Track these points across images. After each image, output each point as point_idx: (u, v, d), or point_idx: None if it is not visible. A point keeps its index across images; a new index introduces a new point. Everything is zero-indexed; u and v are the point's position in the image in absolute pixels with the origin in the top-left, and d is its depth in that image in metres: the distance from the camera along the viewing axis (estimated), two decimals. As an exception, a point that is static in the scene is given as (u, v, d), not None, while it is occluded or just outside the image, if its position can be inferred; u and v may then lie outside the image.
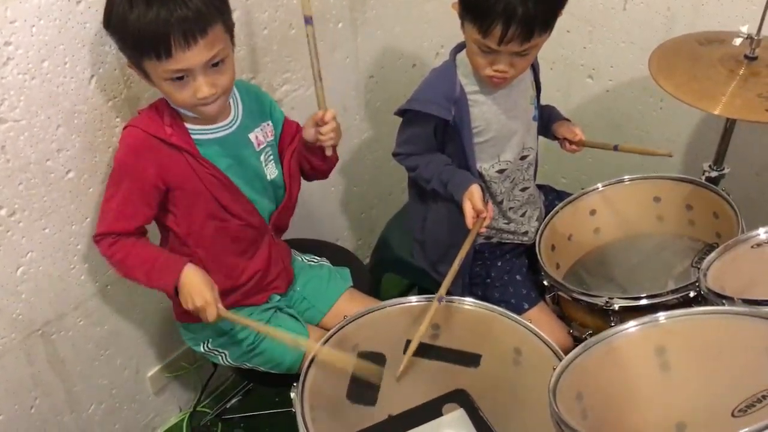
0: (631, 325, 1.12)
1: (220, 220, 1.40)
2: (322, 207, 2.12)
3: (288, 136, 1.53)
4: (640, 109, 2.10)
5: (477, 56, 1.44)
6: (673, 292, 1.42)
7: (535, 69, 1.62)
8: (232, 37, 1.32)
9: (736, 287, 1.22)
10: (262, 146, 1.46)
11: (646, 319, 1.13)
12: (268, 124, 1.48)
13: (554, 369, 1.11)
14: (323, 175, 1.56)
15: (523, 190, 1.65)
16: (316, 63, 1.40)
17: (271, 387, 1.57)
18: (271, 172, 1.48)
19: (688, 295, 1.40)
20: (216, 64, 1.27)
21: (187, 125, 1.36)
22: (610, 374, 1.15)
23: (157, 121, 1.34)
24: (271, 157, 1.48)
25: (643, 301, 1.44)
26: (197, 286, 1.33)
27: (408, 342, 1.33)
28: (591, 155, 2.27)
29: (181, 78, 1.25)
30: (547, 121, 1.71)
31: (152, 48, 1.21)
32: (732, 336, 1.09)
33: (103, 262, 1.56)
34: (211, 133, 1.38)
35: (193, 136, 1.36)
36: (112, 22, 1.24)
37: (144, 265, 1.36)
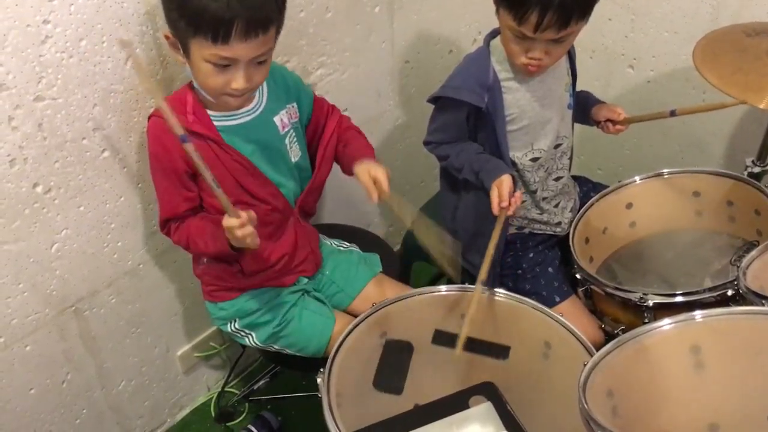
0: (666, 323, 1.09)
1: (245, 205, 1.39)
2: (353, 193, 2.10)
3: (321, 116, 1.52)
4: (682, 101, 2.04)
5: (511, 43, 1.41)
6: (710, 290, 1.39)
7: (571, 56, 1.59)
8: (277, 38, 1.32)
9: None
10: (286, 129, 1.45)
11: (682, 317, 1.09)
12: (293, 106, 1.47)
13: (585, 365, 1.09)
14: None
15: (557, 179, 1.62)
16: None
17: (297, 371, 1.57)
18: (295, 154, 1.48)
19: (726, 293, 1.36)
20: (260, 62, 1.27)
21: (210, 112, 1.36)
22: (643, 372, 1.12)
23: (179, 109, 1.33)
24: (295, 138, 1.48)
25: (679, 298, 1.41)
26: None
27: (437, 331, 1.32)
28: (628, 146, 2.22)
29: (223, 65, 1.24)
30: (584, 106, 1.68)
31: (211, 29, 1.19)
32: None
33: (135, 240, 1.59)
34: (235, 119, 1.38)
35: (216, 123, 1.36)
36: None
37: (202, 236, 1.37)
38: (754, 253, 1.25)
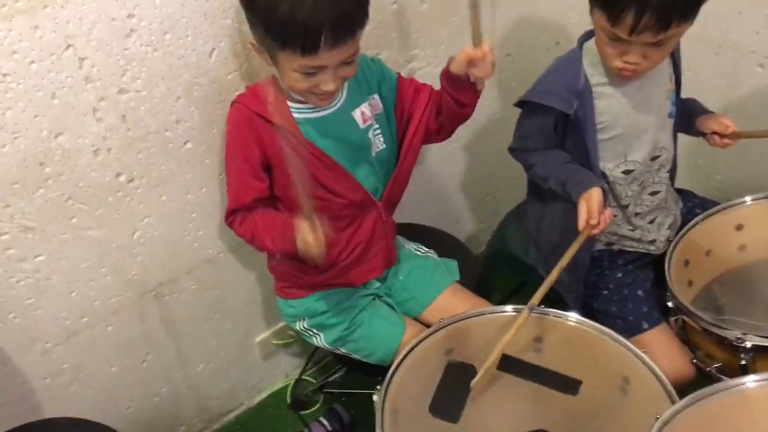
0: (752, 380, 0.97)
1: (320, 199, 1.36)
2: (444, 188, 2.04)
3: (406, 99, 1.45)
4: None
5: (606, 46, 1.29)
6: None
7: (675, 59, 1.45)
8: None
9: None
10: (368, 122, 1.40)
11: (770, 376, 0.97)
12: (374, 98, 1.42)
13: (657, 418, 0.99)
14: (468, 112, 1.44)
15: (653, 194, 1.48)
16: None
17: (361, 373, 1.54)
18: (379, 146, 1.43)
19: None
20: (348, 62, 1.24)
21: (290, 104, 1.34)
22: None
23: (261, 98, 1.32)
24: (379, 132, 1.43)
25: (783, 341, 1.26)
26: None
27: (504, 356, 1.25)
28: (752, 152, 2.02)
29: (312, 73, 1.23)
30: (690, 115, 1.52)
31: (298, 43, 1.17)
32: None
33: (216, 230, 1.61)
34: (314, 112, 1.35)
35: (295, 115, 1.34)
36: (258, 4, 1.19)
37: (269, 232, 1.36)
38: None
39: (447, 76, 1.38)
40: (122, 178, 1.41)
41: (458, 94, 1.38)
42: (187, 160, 1.48)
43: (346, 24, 1.19)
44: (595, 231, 1.32)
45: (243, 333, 1.83)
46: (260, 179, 1.36)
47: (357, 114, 1.39)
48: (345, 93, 1.38)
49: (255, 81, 1.47)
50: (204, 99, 1.43)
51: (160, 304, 1.61)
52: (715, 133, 1.47)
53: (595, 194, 1.32)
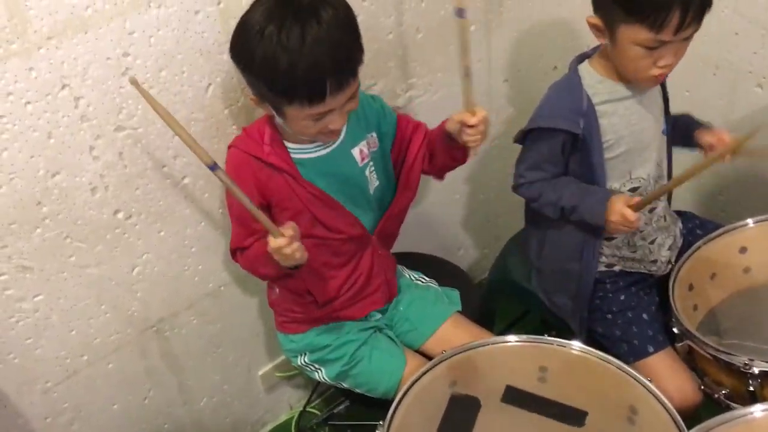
0: (758, 409, 0.96)
1: (320, 238, 1.36)
2: (445, 216, 2.03)
3: (404, 138, 1.46)
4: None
5: (639, 60, 1.30)
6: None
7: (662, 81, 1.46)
8: None
9: None
10: (366, 160, 1.40)
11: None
12: (372, 135, 1.42)
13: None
14: (461, 163, 1.47)
15: (651, 210, 1.48)
16: (466, 58, 1.30)
17: (367, 405, 1.52)
18: (374, 183, 1.43)
19: None
20: (352, 98, 1.25)
21: (288, 144, 1.33)
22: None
23: (256, 140, 1.32)
24: (374, 168, 1.43)
25: (791, 367, 1.24)
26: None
27: (508, 387, 1.23)
28: (756, 171, 2.00)
29: (319, 119, 1.23)
30: (687, 128, 1.52)
31: (305, 95, 1.18)
32: None
33: (216, 263, 1.60)
34: (312, 152, 1.34)
35: (293, 156, 1.33)
36: (257, 63, 1.17)
37: (259, 260, 1.35)
38: None
39: (442, 131, 1.40)
40: (120, 215, 1.41)
41: (451, 150, 1.41)
42: (186, 195, 1.48)
43: (346, 67, 1.19)
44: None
45: (246, 366, 1.81)
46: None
47: (356, 152, 1.39)
48: (344, 131, 1.37)
49: (253, 114, 1.47)
50: (202, 134, 1.43)
51: (161, 339, 1.60)
52: (712, 146, 1.46)
53: (616, 203, 1.34)
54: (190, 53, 1.35)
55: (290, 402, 1.98)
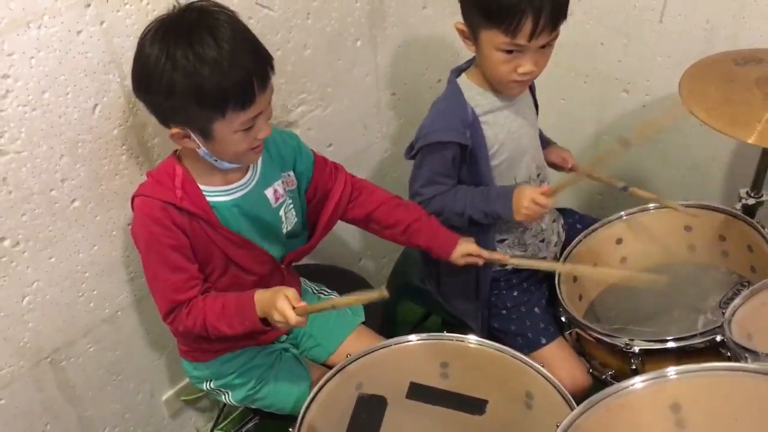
0: (638, 381, 1.04)
1: (233, 276, 1.36)
2: (344, 226, 2.05)
3: (321, 180, 1.46)
4: (679, 126, 1.98)
5: (500, 64, 1.37)
6: (701, 335, 1.32)
7: (531, 88, 1.58)
8: None
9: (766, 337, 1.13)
10: (280, 201, 1.40)
11: (653, 374, 1.04)
12: (288, 174, 1.42)
13: (557, 426, 1.04)
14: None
15: None
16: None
17: (276, 420, 1.53)
18: (290, 223, 1.43)
19: (715, 339, 1.30)
20: (269, 101, 1.26)
21: (202, 186, 1.30)
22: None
23: (166, 184, 1.28)
24: (291, 207, 1.43)
25: (670, 344, 1.35)
26: (270, 307, 1.24)
27: (412, 384, 1.27)
28: (631, 167, 2.15)
29: (249, 127, 1.22)
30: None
31: (239, 97, 1.16)
32: (750, 398, 1.00)
33: (112, 288, 1.57)
34: (227, 195, 1.33)
35: (209, 199, 1.31)
36: (179, 88, 1.14)
37: (222, 318, 1.28)
38: (738, 300, 1.18)
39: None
40: (6, 243, 1.36)
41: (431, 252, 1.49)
42: (76, 219, 1.44)
43: (266, 61, 1.22)
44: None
45: (148, 393, 1.77)
46: (192, 260, 1.31)
47: (270, 192, 1.38)
48: (259, 171, 1.37)
49: (143, 133, 1.46)
50: (90, 155, 1.40)
51: (56, 370, 1.54)
52: (554, 165, 1.60)
53: (524, 193, 1.42)
54: (73, 74, 1.33)
55: (197, 426, 1.94)
